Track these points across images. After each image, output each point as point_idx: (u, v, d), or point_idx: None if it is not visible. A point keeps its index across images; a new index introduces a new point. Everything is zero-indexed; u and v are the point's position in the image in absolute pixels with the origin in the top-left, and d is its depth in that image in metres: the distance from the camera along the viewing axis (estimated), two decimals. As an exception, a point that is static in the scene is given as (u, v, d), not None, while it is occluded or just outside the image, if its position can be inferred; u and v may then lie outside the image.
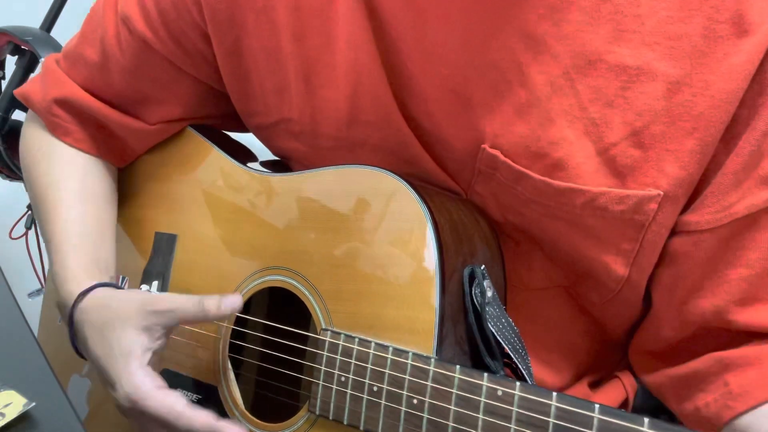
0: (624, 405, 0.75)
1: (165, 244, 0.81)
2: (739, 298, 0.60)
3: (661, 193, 0.58)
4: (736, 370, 0.61)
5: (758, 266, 0.59)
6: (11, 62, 1.23)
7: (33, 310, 0.93)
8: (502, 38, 0.59)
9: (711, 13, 0.55)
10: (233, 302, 0.66)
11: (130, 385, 0.64)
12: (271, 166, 0.79)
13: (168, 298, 0.68)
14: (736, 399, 0.60)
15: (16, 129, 1.20)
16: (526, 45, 0.59)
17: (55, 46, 1.18)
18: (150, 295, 0.70)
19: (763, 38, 0.54)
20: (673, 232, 0.62)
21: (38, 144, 0.84)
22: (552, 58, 0.58)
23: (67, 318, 0.72)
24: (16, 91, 0.86)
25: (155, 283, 0.80)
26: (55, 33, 1.24)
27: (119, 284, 0.83)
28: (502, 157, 0.61)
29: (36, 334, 0.74)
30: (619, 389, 0.75)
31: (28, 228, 1.26)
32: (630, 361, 0.73)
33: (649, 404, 0.76)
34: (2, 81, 1.25)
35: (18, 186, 1.25)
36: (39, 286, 1.37)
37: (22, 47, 1.20)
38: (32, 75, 1.21)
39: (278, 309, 0.76)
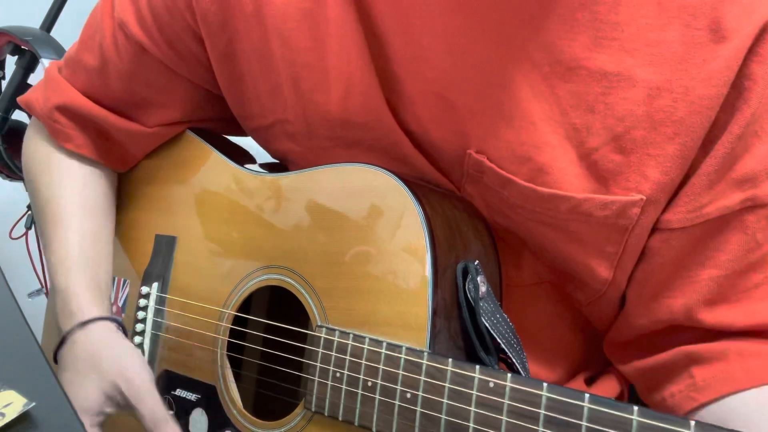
0: (619, 399, 0.75)
1: (165, 246, 0.81)
2: (708, 298, 0.61)
3: (644, 197, 0.58)
4: (702, 363, 0.62)
5: (728, 267, 0.60)
6: (11, 62, 1.23)
7: (33, 310, 0.93)
8: (484, 43, 0.60)
9: (689, 20, 0.55)
10: None
11: None
12: (269, 167, 0.79)
13: (140, 391, 0.69)
14: (700, 391, 0.61)
15: (16, 129, 1.21)
16: (506, 51, 0.59)
17: (55, 46, 1.18)
18: (131, 370, 0.71)
19: (740, 44, 0.54)
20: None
21: (40, 155, 0.85)
22: (531, 64, 0.58)
23: (60, 336, 0.74)
24: (19, 99, 0.87)
25: (155, 285, 0.80)
26: (55, 33, 1.24)
27: (121, 287, 0.84)
28: (487, 162, 0.61)
29: (37, 334, 0.74)
30: (613, 383, 0.75)
31: (28, 228, 1.26)
32: (605, 351, 0.74)
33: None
34: (2, 81, 1.26)
35: (18, 186, 1.25)
36: (39, 286, 1.37)
37: (22, 47, 1.20)
38: (32, 75, 1.21)
39: (277, 308, 0.77)
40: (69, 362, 0.72)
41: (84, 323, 0.73)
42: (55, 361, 0.74)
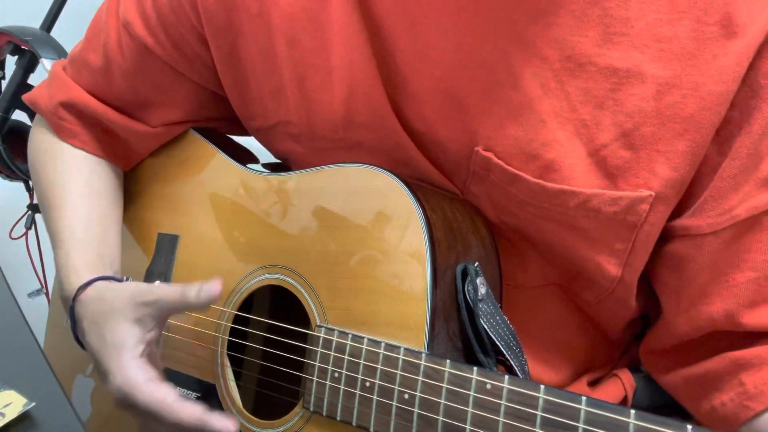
0: (623, 403, 0.75)
1: (167, 245, 0.82)
2: (749, 301, 0.60)
3: (653, 194, 0.58)
4: (751, 369, 0.61)
5: (764, 268, 0.59)
6: (11, 62, 1.23)
7: (33, 310, 0.93)
8: (493, 40, 0.60)
9: (699, 15, 0.55)
10: (212, 289, 0.65)
11: (121, 377, 0.64)
12: (272, 167, 0.80)
13: (155, 289, 0.68)
14: (753, 399, 0.60)
15: (16, 129, 1.21)
16: (516, 47, 0.59)
17: (55, 46, 1.18)
18: (140, 286, 0.70)
19: (752, 40, 0.54)
20: (675, 236, 0.62)
21: (45, 146, 0.85)
22: (542, 60, 0.58)
23: (68, 311, 0.73)
24: (24, 97, 0.87)
25: (157, 283, 0.80)
26: (55, 33, 1.24)
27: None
28: (495, 159, 0.61)
29: (37, 334, 0.74)
30: (617, 387, 0.75)
31: (28, 228, 1.26)
32: (642, 361, 0.74)
33: (648, 403, 0.76)
34: (2, 81, 1.26)
35: (18, 186, 1.25)
36: (39, 286, 1.37)
37: (22, 47, 1.20)
38: (32, 75, 1.21)
39: (278, 307, 0.77)
40: (87, 325, 0.70)
41: (82, 286, 0.72)
42: (76, 338, 0.73)
